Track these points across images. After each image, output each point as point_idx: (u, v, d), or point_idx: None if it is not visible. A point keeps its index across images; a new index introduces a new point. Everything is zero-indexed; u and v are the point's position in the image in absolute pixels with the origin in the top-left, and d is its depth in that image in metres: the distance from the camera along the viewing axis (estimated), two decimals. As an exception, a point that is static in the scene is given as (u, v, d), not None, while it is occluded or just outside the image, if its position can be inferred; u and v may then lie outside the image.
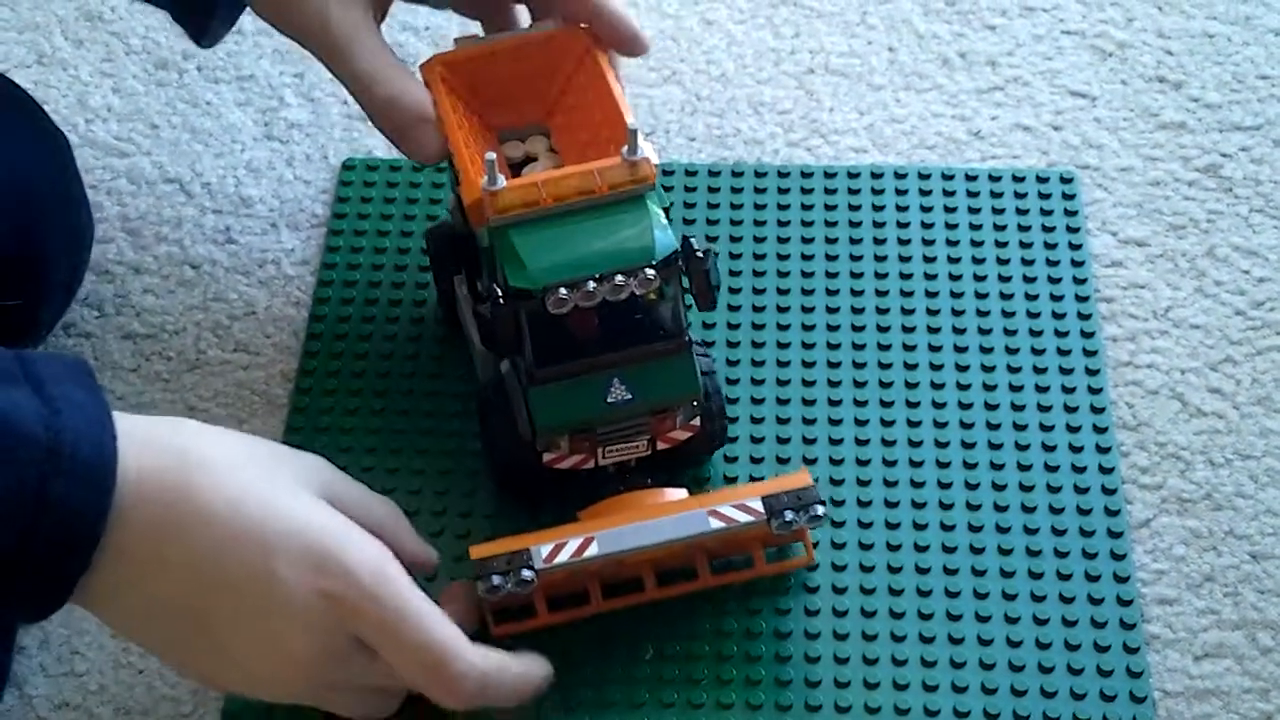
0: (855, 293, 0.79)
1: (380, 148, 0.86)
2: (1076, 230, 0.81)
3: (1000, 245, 0.81)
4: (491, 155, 0.65)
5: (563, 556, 0.64)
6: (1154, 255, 0.81)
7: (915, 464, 0.73)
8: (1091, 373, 0.76)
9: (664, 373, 0.67)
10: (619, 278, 0.64)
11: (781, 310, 0.78)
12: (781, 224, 0.82)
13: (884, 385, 0.75)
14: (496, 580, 0.64)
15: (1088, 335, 0.77)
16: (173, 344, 0.79)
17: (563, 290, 0.64)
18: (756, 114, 0.88)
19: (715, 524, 0.65)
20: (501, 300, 0.64)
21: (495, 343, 0.66)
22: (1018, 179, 0.83)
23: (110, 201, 0.84)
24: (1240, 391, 0.76)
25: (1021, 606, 0.68)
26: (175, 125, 0.88)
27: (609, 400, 0.66)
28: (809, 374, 0.76)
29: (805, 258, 0.80)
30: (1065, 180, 0.83)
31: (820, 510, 0.66)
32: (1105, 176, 0.85)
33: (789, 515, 0.66)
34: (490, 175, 0.65)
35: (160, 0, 0.76)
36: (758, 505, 0.66)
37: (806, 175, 0.84)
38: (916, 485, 0.72)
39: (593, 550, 0.65)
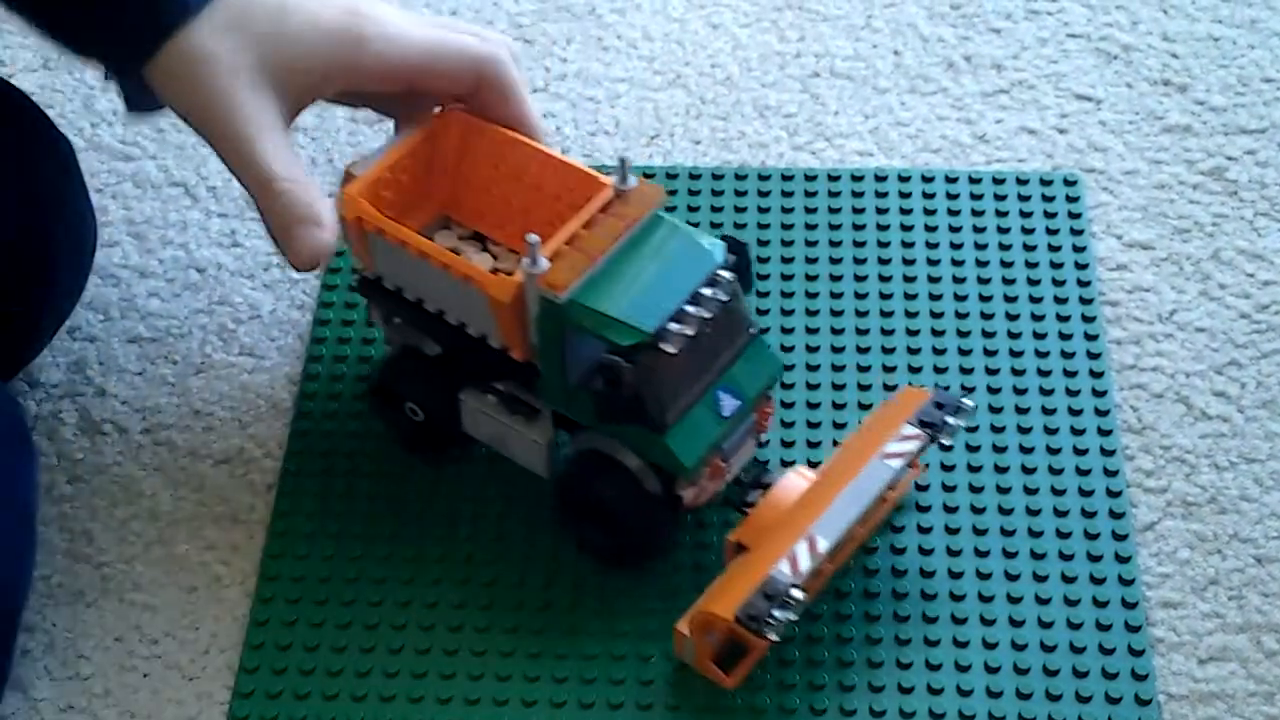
0: (860, 295, 0.79)
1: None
2: (1080, 233, 0.81)
3: (1004, 248, 0.81)
4: (534, 237, 0.63)
5: (805, 563, 0.63)
6: (1159, 259, 0.81)
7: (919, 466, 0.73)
8: (1096, 375, 0.76)
9: (751, 364, 0.66)
10: (706, 291, 0.64)
11: (786, 314, 0.78)
12: (785, 227, 0.82)
13: (889, 389, 0.75)
14: (777, 614, 0.62)
15: (1091, 338, 0.77)
16: (178, 348, 0.79)
17: (672, 325, 0.63)
18: (761, 117, 0.88)
19: (896, 464, 0.65)
20: (627, 363, 0.63)
21: (620, 412, 0.64)
22: (1021, 181, 0.83)
23: (116, 205, 0.84)
24: (1245, 395, 0.76)
25: (1026, 610, 0.68)
26: (181, 129, 0.87)
27: (725, 414, 0.66)
28: (813, 377, 0.76)
29: (809, 260, 0.80)
30: (1069, 183, 0.83)
31: (967, 401, 0.67)
32: (1110, 180, 0.85)
33: (949, 421, 0.67)
34: (533, 257, 0.63)
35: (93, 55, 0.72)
36: (915, 430, 0.66)
37: (810, 178, 0.84)
38: (920, 488, 0.72)
39: (822, 544, 0.63)
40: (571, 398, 0.66)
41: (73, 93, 0.89)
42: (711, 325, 0.64)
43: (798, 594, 0.62)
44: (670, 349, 0.62)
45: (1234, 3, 0.93)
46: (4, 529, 0.65)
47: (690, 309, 0.63)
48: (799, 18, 0.93)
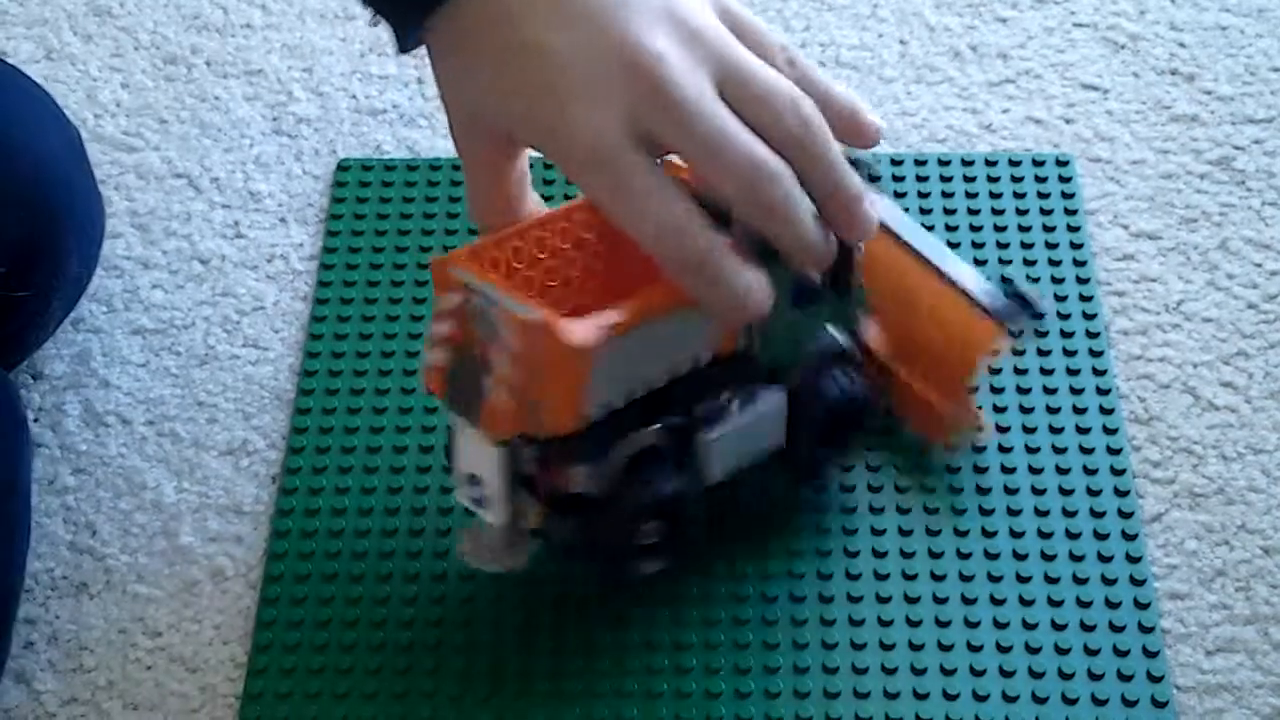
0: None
1: (388, 142, 0.86)
2: (1075, 213, 0.81)
3: (999, 230, 0.81)
4: None
5: None
6: (1166, 248, 0.81)
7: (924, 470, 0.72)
8: (1095, 354, 0.75)
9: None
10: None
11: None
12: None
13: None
14: None
15: (1090, 317, 0.77)
16: (181, 339, 0.79)
17: None
18: (766, 107, 0.87)
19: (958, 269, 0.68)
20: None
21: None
22: (1014, 163, 0.83)
23: (119, 196, 0.84)
24: (1253, 385, 0.76)
25: (1039, 612, 0.68)
26: (184, 120, 0.88)
27: None
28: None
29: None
30: (1061, 163, 0.83)
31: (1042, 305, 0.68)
32: (1117, 169, 0.84)
33: (1025, 317, 0.68)
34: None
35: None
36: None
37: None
38: (928, 490, 0.71)
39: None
40: (789, 330, 0.64)
41: (75, 84, 0.89)
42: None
43: None
44: None
45: (1241, -9, 0.92)
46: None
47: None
48: (804, 7, 0.92)
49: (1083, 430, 0.73)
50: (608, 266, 0.65)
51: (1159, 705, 0.65)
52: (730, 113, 0.58)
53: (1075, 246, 0.80)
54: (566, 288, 0.64)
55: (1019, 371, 0.75)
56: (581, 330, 0.58)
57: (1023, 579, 0.69)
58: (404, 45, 0.62)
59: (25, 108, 0.75)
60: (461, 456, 0.63)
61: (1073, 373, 0.75)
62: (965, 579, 0.69)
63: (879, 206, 0.63)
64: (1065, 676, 0.66)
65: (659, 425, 0.63)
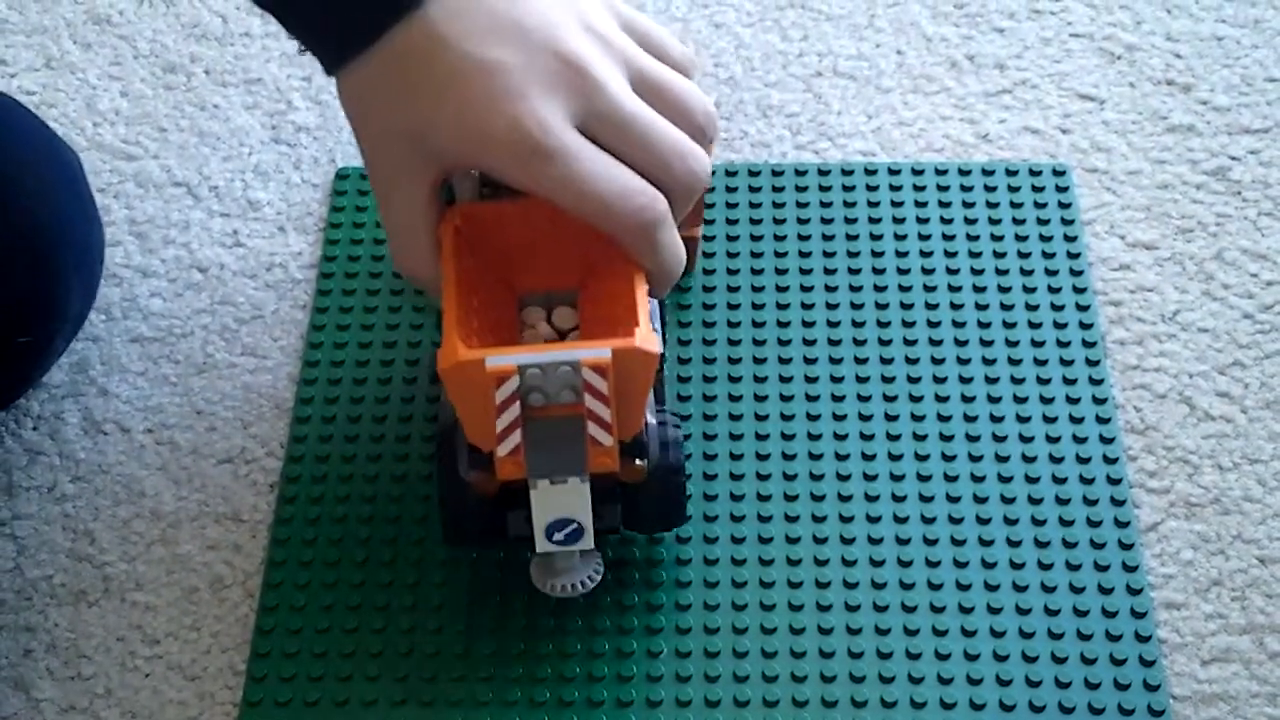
0: (854, 288, 0.79)
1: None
2: (1071, 223, 0.81)
3: (996, 239, 0.81)
4: None
5: None
6: (1162, 258, 0.81)
7: (923, 478, 0.72)
8: (1092, 363, 0.76)
9: None
10: None
11: (781, 308, 0.78)
12: (777, 221, 0.82)
13: (888, 399, 0.75)
14: None
15: (1086, 326, 0.77)
16: (180, 347, 0.79)
17: None
18: (764, 117, 0.88)
19: None
20: None
21: None
22: (1011, 173, 0.83)
23: (118, 205, 0.84)
24: (1249, 395, 0.76)
25: (1036, 621, 0.68)
26: (183, 129, 0.88)
27: None
28: (811, 389, 0.75)
29: (803, 255, 0.80)
30: (1058, 173, 0.83)
31: None
32: (1113, 179, 0.84)
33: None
34: None
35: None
36: None
37: (800, 173, 0.84)
38: (925, 500, 0.72)
39: None
40: None
41: (75, 92, 0.89)
42: None
43: None
44: None
45: (1238, 2, 0.92)
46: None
47: None
48: (802, 17, 0.93)
49: (1079, 440, 0.73)
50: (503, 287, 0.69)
51: (1155, 714, 0.65)
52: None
53: (1072, 256, 0.80)
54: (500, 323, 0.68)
55: (1015, 381, 0.75)
56: (645, 337, 0.62)
57: (1019, 588, 0.69)
58: (331, 71, 0.66)
59: (20, 148, 0.73)
60: (542, 513, 0.64)
61: (1069, 382, 0.75)
62: (962, 588, 0.69)
63: None
64: (1062, 685, 0.66)
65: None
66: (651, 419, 0.65)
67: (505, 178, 0.64)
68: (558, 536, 0.64)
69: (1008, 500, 0.71)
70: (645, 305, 0.64)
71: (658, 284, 0.66)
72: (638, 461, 0.64)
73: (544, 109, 0.62)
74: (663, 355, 0.64)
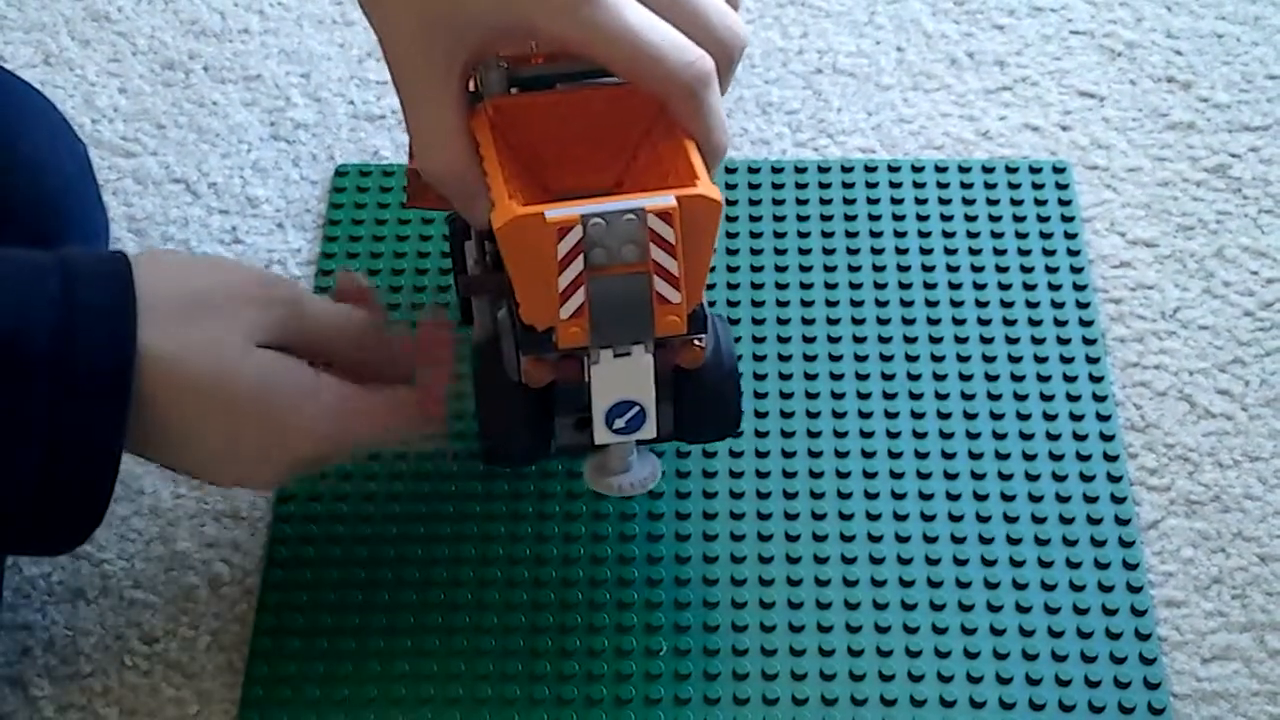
0: (854, 285, 0.79)
1: (386, 148, 0.86)
2: (1072, 220, 0.81)
3: (996, 236, 0.81)
4: None
5: None
6: (1162, 256, 0.81)
7: (923, 475, 0.72)
8: (1092, 360, 0.76)
9: None
10: None
11: (781, 305, 0.78)
12: (777, 219, 0.82)
13: (888, 396, 0.75)
14: None
15: (1087, 324, 0.77)
16: (179, 345, 0.79)
17: None
18: (764, 114, 0.87)
19: None
20: None
21: None
22: (1011, 170, 0.83)
23: (117, 202, 0.84)
24: (1249, 393, 0.76)
25: (1036, 619, 0.68)
26: (182, 125, 0.88)
27: None
28: (811, 386, 0.75)
29: (802, 252, 0.80)
30: (1058, 170, 0.83)
31: None
32: (1113, 177, 0.84)
33: None
34: None
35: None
36: None
37: (800, 170, 0.84)
38: (925, 497, 0.71)
39: None
40: None
41: (73, 89, 0.89)
42: None
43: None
44: None
45: (1238, 0, 0.92)
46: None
47: None
48: (802, 14, 0.93)
49: (1079, 437, 0.73)
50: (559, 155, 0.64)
51: (1156, 712, 0.65)
52: None
53: (1072, 253, 0.80)
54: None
55: (1016, 379, 0.75)
56: (708, 186, 0.58)
57: (1019, 586, 0.69)
58: None
59: (35, 125, 0.74)
60: (604, 393, 0.60)
61: (1069, 379, 0.75)
62: (962, 585, 0.69)
63: None
64: (1062, 683, 0.66)
65: None
66: (706, 305, 0.61)
67: (551, 29, 0.59)
68: (619, 424, 0.61)
69: (1007, 497, 0.71)
70: (701, 163, 0.59)
71: (706, 157, 0.60)
72: (697, 342, 0.60)
73: None
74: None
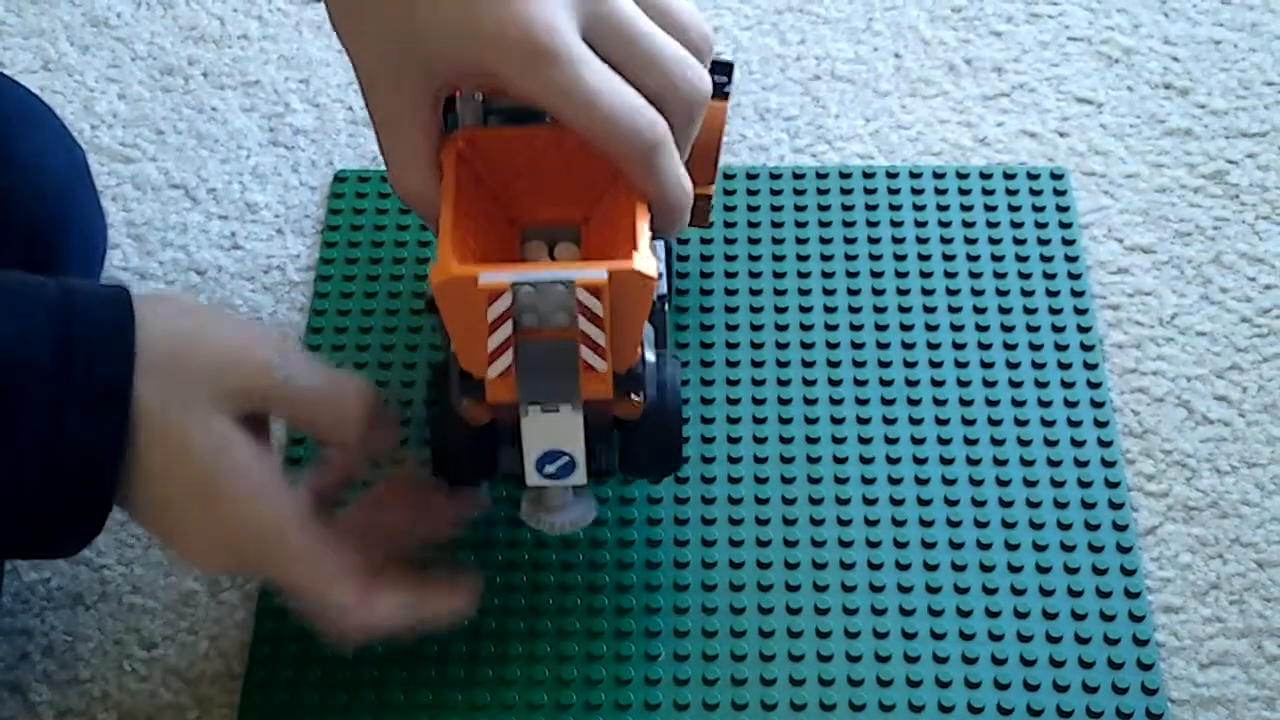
0: (852, 292, 0.79)
1: (385, 154, 0.86)
2: (1069, 226, 0.81)
3: (994, 243, 0.81)
4: None
5: None
6: (1160, 262, 0.81)
7: (921, 481, 0.72)
8: (1090, 367, 0.76)
9: None
10: None
11: (779, 310, 0.78)
12: (775, 225, 0.82)
13: (886, 403, 0.75)
14: None
15: (1085, 330, 0.77)
16: (177, 350, 0.79)
17: None
18: (762, 120, 0.88)
19: None
20: None
21: None
22: (1009, 176, 0.83)
23: (116, 207, 0.84)
24: (1246, 399, 0.76)
25: (1034, 625, 0.68)
26: (181, 131, 0.88)
27: None
28: (809, 392, 0.75)
29: (800, 259, 0.80)
30: (1056, 177, 0.83)
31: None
32: (1111, 183, 0.84)
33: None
34: None
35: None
36: None
37: (798, 177, 0.84)
38: (923, 503, 0.72)
39: None
40: None
41: (72, 94, 0.89)
42: None
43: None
44: None
45: (1235, 6, 0.92)
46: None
47: None
48: (800, 20, 0.93)
49: (1077, 443, 0.73)
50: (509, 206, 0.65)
51: (1154, 718, 0.65)
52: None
53: (1070, 260, 0.80)
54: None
55: (1013, 385, 0.75)
56: (643, 259, 0.59)
57: (1017, 591, 0.69)
58: None
59: (34, 130, 0.74)
60: (533, 443, 0.62)
61: (1067, 385, 0.75)
62: (960, 591, 0.69)
63: None
64: (1060, 689, 0.66)
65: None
66: (650, 355, 0.63)
67: (506, 81, 0.60)
68: (549, 469, 0.62)
69: (1006, 504, 0.71)
70: (646, 232, 0.60)
71: (661, 215, 0.62)
72: (634, 396, 0.61)
73: (551, 8, 0.59)
74: (667, 297, 0.62)
